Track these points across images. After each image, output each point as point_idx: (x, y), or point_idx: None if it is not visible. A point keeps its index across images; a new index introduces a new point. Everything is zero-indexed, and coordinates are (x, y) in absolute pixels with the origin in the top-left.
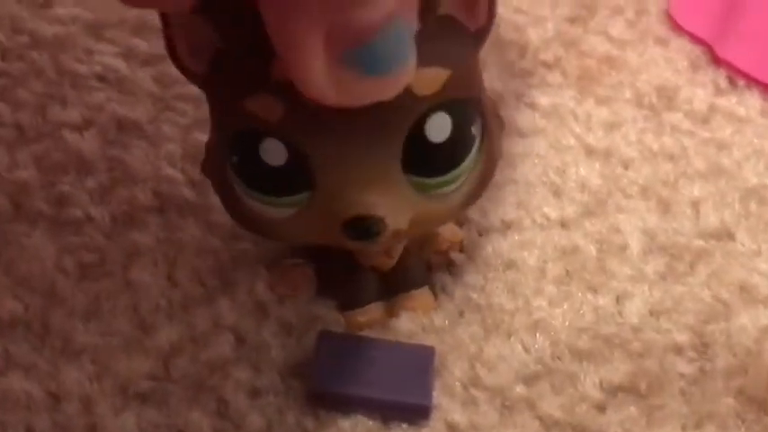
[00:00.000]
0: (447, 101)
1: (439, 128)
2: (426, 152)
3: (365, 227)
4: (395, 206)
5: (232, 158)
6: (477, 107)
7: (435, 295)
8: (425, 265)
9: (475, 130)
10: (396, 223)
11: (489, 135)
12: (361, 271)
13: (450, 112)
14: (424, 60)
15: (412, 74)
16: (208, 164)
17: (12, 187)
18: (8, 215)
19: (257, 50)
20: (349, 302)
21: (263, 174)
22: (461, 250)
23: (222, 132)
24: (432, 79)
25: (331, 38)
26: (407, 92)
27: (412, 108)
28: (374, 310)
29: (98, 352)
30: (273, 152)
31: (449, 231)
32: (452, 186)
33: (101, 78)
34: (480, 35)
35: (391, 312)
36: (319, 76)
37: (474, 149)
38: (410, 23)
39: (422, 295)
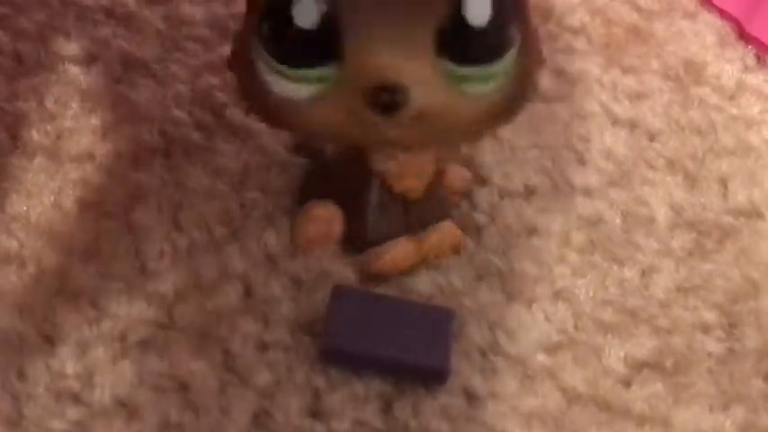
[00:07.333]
0: None
1: (479, 6)
2: (463, 35)
3: (390, 94)
4: (421, 81)
5: (263, 29)
6: (521, 9)
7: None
8: (445, 201)
9: (514, 31)
10: (420, 98)
11: (528, 51)
12: (389, 201)
13: None
14: None
15: None
16: (234, 55)
17: (10, 119)
18: (5, 147)
19: None
20: (377, 235)
21: (292, 41)
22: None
23: (253, 10)
24: None
25: None
26: None
27: None
28: (403, 245)
29: (97, 295)
30: (306, 11)
31: (457, 172)
32: (485, 87)
33: (108, 13)
34: None
35: (420, 249)
36: None
37: (511, 53)
38: None
39: (449, 228)
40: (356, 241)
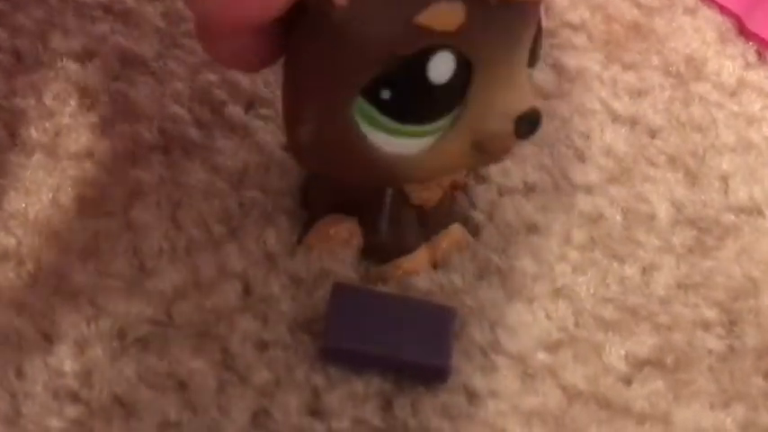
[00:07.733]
0: None
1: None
2: (537, 43)
3: (536, 118)
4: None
5: (381, 95)
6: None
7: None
8: (454, 204)
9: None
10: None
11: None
12: (403, 210)
13: None
14: None
15: None
16: (308, 142)
17: (8, 115)
18: (3, 144)
19: None
20: (392, 246)
21: (421, 99)
22: (466, 183)
23: (355, 78)
24: None
25: None
26: None
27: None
28: (420, 256)
29: (96, 293)
30: (442, 67)
31: None
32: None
33: (106, 9)
34: None
35: (434, 255)
36: None
37: None
38: None
39: (458, 231)
40: (370, 253)
